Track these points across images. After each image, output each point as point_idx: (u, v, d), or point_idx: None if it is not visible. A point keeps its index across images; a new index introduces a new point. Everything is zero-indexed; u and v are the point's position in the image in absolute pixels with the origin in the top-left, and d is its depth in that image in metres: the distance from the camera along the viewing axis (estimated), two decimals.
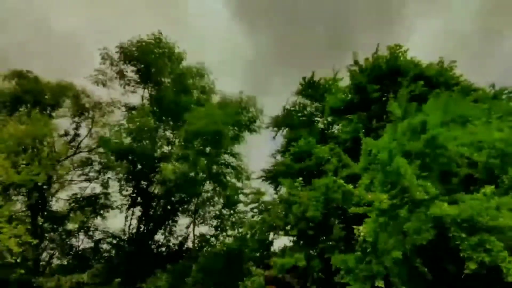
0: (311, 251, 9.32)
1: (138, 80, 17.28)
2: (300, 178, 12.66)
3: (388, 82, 12.20)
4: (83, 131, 17.37)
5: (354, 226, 8.10)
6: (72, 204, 16.38)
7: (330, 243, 9.61)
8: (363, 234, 7.43)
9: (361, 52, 13.67)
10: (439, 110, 7.18)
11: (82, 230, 16.76)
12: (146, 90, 17.39)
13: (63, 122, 17.08)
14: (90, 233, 16.94)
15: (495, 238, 4.39)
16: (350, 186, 8.61)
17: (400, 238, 5.52)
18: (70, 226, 16.60)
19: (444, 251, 5.02)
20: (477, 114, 8.25)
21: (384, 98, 12.40)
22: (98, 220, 17.38)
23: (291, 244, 11.10)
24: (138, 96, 17.76)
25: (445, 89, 10.51)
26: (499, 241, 4.38)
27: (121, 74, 16.99)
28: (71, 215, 15.99)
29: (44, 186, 15.19)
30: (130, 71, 17.16)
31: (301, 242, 9.99)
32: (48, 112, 16.52)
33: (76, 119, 17.24)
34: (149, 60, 16.45)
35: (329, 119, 15.17)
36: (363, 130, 11.30)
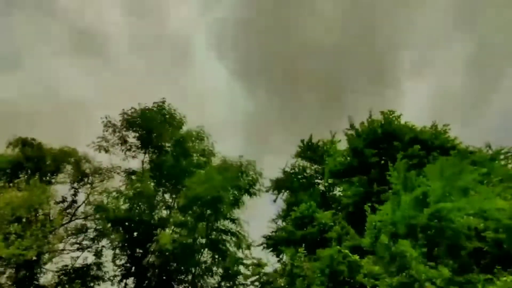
0: None
1: (139, 145, 17.53)
2: (303, 248, 12.11)
3: (385, 145, 12.44)
4: (81, 197, 17.19)
5: None
6: (61, 277, 15.31)
7: None
8: None
9: (357, 114, 14.27)
10: (438, 178, 7.14)
11: None
12: (146, 155, 17.54)
13: (61, 188, 16.94)
14: None
15: None
16: (357, 257, 8.22)
17: None
18: None
19: None
20: (477, 179, 8.21)
21: (382, 162, 12.51)
22: None
23: None
24: (138, 161, 17.91)
25: (441, 152, 10.65)
26: None
27: (122, 140, 17.36)
28: None
29: (34, 258, 14.39)
30: (131, 137, 17.52)
31: None
32: (47, 178, 16.48)
33: (75, 185, 17.13)
34: (150, 126, 16.94)
35: (330, 181, 15.14)
36: (364, 195, 11.18)
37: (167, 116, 17.51)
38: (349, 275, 8.74)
